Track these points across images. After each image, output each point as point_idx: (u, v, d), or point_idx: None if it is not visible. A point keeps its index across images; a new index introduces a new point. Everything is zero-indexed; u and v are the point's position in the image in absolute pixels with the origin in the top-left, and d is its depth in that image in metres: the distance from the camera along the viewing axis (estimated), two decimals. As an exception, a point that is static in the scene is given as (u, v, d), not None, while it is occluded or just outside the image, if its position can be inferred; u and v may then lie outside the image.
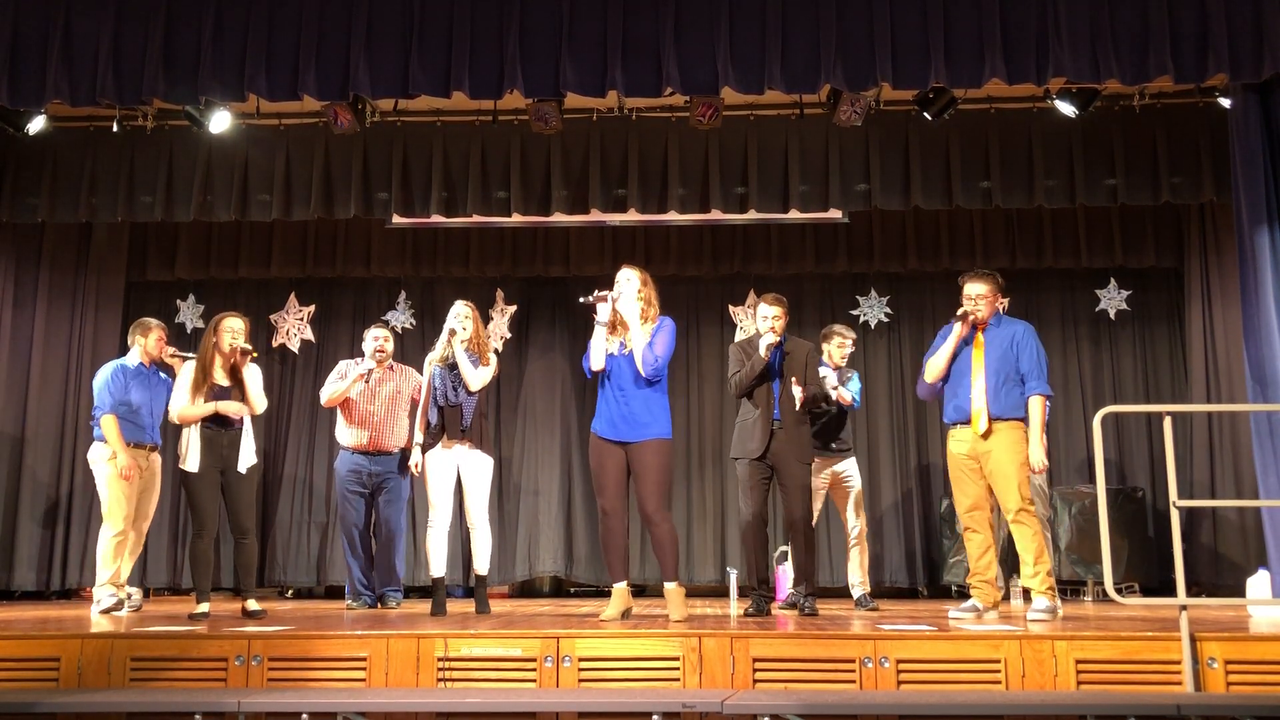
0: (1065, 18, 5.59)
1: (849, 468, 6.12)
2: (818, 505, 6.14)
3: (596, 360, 4.97)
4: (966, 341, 5.18)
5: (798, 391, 5.20)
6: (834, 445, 6.05)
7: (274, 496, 8.14)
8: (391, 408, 6.33)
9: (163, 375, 6.02)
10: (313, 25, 5.75)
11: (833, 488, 6.13)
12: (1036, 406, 4.96)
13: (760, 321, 5.33)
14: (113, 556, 5.77)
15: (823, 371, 5.89)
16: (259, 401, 5.37)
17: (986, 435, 4.96)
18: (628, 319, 4.94)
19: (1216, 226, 7.58)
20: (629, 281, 5.01)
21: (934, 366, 5.23)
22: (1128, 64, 5.61)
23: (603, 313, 4.97)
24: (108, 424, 5.79)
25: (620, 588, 4.90)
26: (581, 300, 5.04)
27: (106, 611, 5.66)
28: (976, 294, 5.13)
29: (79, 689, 3.87)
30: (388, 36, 5.74)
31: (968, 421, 5.04)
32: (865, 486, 7.89)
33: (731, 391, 5.40)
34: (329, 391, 6.29)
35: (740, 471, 5.31)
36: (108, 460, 5.81)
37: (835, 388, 5.93)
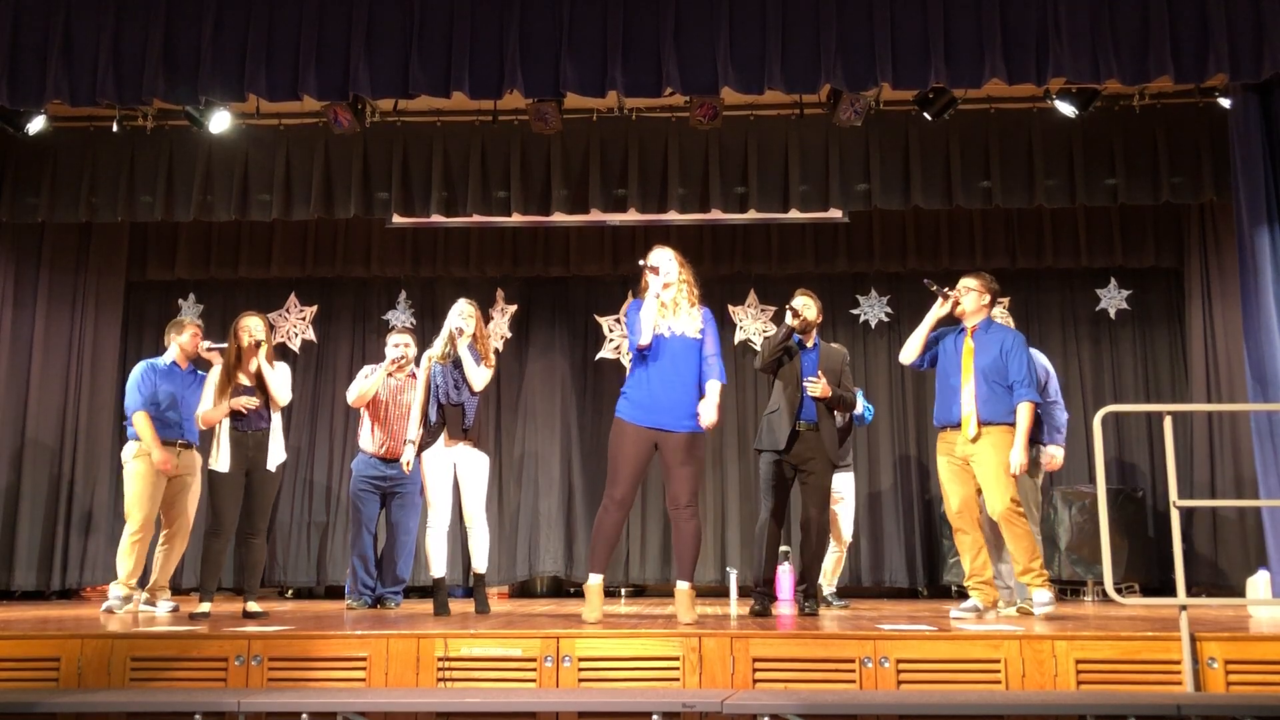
0: (1065, 18, 5.59)
1: (839, 480, 6.19)
2: None
3: (645, 334, 4.62)
4: (949, 330, 5.25)
5: (817, 388, 5.22)
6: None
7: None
8: (410, 414, 6.33)
9: (200, 373, 5.99)
10: (313, 25, 5.75)
11: None
12: (1024, 412, 5.00)
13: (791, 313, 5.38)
14: (129, 555, 5.80)
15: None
16: (281, 395, 5.39)
17: (976, 439, 4.99)
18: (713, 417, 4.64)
19: (1216, 226, 7.58)
20: (670, 262, 4.76)
21: (908, 347, 5.32)
22: (1128, 64, 5.61)
23: (654, 284, 4.68)
24: (140, 421, 5.81)
25: (599, 582, 4.69)
26: (647, 264, 4.73)
27: (109, 611, 5.67)
28: (963, 285, 5.24)
29: (79, 689, 3.87)
30: (388, 36, 5.74)
31: (957, 425, 5.07)
32: (865, 487, 7.94)
33: (755, 364, 5.36)
34: (356, 390, 6.34)
35: (763, 467, 5.31)
36: (135, 458, 5.82)
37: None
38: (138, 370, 5.96)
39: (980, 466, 4.99)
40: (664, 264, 4.75)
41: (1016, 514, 4.91)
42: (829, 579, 6.35)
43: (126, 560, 5.79)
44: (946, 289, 5.27)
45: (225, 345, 5.46)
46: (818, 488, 5.25)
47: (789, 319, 5.30)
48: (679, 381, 4.65)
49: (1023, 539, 4.92)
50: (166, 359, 6.02)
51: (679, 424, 4.64)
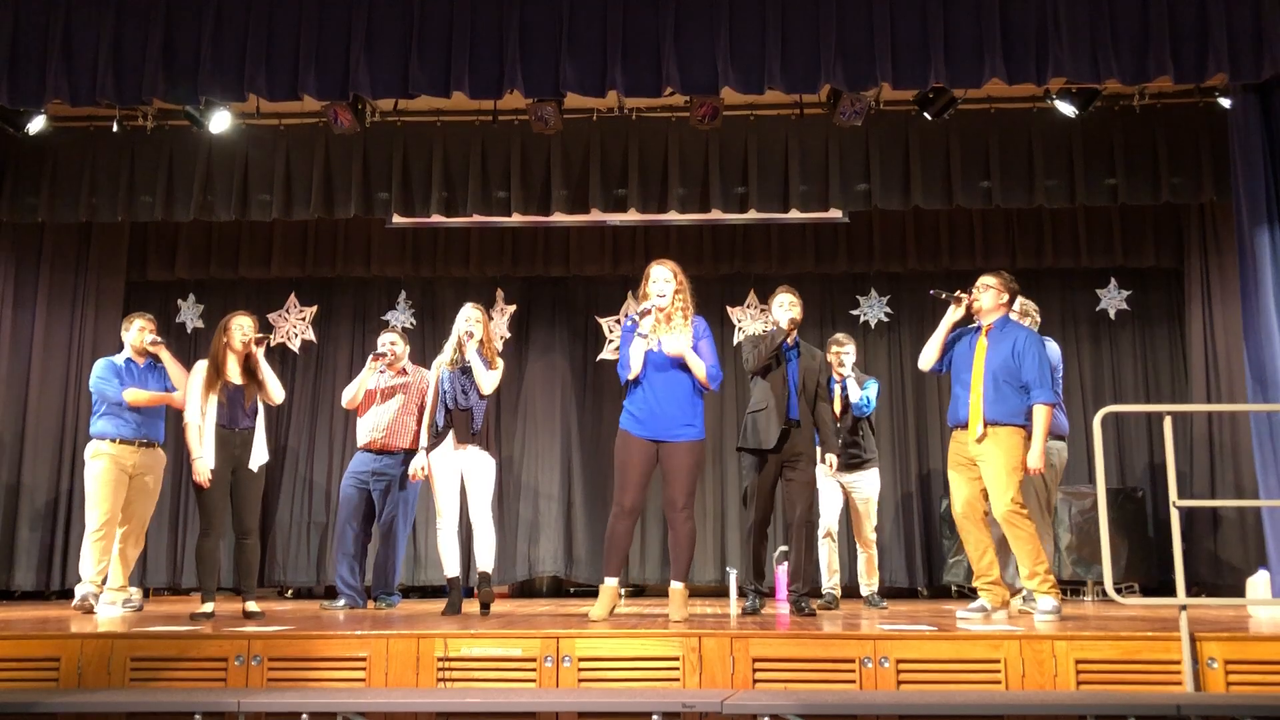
0: (1065, 18, 5.59)
1: (859, 480, 6.22)
2: (837, 510, 6.23)
3: (634, 368, 4.89)
4: (965, 331, 5.21)
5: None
6: (849, 460, 6.17)
7: (274, 496, 8.14)
8: (402, 408, 6.35)
9: (159, 365, 6.07)
10: (313, 25, 5.75)
11: (847, 495, 6.27)
12: (1039, 415, 4.96)
13: (778, 309, 5.43)
14: (91, 553, 5.84)
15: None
16: (277, 394, 5.43)
17: (981, 439, 4.95)
18: (684, 352, 4.85)
19: (1216, 226, 7.58)
20: (667, 283, 4.95)
21: (926, 353, 5.30)
22: (1128, 64, 5.61)
23: (645, 324, 4.91)
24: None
25: (613, 585, 4.87)
26: (637, 312, 4.94)
27: (85, 609, 5.66)
28: (981, 283, 5.18)
29: (79, 689, 3.88)
30: (388, 36, 5.74)
31: (965, 425, 5.05)
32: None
33: (747, 366, 5.41)
34: (347, 394, 6.39)
35: (747, 466, 5.33)
36: (94, 457, 5.90)
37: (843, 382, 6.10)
38: (100, 365, 6.00)
39: (985, 467, 4.96)
40: (660, 286, 4.93)
41: (1019, 515, 4.87)
42: (867, 580, 6.29)
43: (89, 559, 5.79)
44: (958, 292, 5.21)
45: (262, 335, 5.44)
46: (804, 484, 5.29)
47: (789, 321, 5.35)
48: (672, 395, 4.87)
49: (1026, 541, 4.87)
50: (122, 356, 6.07)
51: (676, 434, 4.86)
